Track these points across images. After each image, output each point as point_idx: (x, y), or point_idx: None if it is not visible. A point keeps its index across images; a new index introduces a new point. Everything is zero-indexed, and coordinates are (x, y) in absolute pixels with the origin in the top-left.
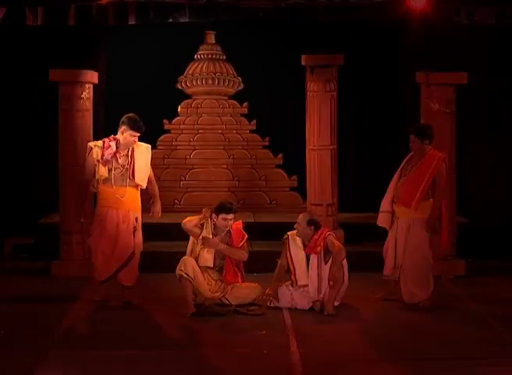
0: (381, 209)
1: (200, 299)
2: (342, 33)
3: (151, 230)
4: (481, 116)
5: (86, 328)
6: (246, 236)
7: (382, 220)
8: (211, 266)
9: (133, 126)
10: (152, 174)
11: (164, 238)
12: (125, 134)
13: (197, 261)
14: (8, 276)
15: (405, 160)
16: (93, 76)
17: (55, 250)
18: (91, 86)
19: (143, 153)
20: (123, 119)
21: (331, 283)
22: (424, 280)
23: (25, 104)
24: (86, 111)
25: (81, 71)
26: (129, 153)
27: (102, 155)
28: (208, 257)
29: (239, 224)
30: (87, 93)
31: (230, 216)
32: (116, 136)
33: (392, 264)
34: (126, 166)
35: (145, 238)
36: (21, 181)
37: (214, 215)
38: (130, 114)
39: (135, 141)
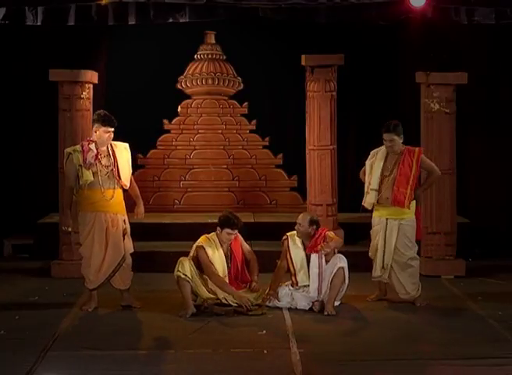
0: (371, 187)
1: (200, 300)
2: (342, 33)
3: (150, 230)
4: (480, 116)
5: (85, 328)
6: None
7: (369, 200)
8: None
9: (105, 122)
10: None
11: (163, 238)
12: (98, 132)
13: (196, 266)
14: (8, 276)
15: (375, 156)
16: (93, 76)
17: (55, 250)
18: (91, 86)
19: (122, 152)
20: (94, 116)
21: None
22: (415, 278)
23: (25, 104)
24: (86, 111)
25: (81, 71)
26: (110, 153)
27: (84, 159)
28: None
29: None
30: (87, 93)
31: (235, 231)
32: (92, 138)
33: (381, 265)
34: (110, 166)
35: (144, 238)
36: (21, 181)
37: (218, 228)
38: (100, 111)
39: (110, 138)
